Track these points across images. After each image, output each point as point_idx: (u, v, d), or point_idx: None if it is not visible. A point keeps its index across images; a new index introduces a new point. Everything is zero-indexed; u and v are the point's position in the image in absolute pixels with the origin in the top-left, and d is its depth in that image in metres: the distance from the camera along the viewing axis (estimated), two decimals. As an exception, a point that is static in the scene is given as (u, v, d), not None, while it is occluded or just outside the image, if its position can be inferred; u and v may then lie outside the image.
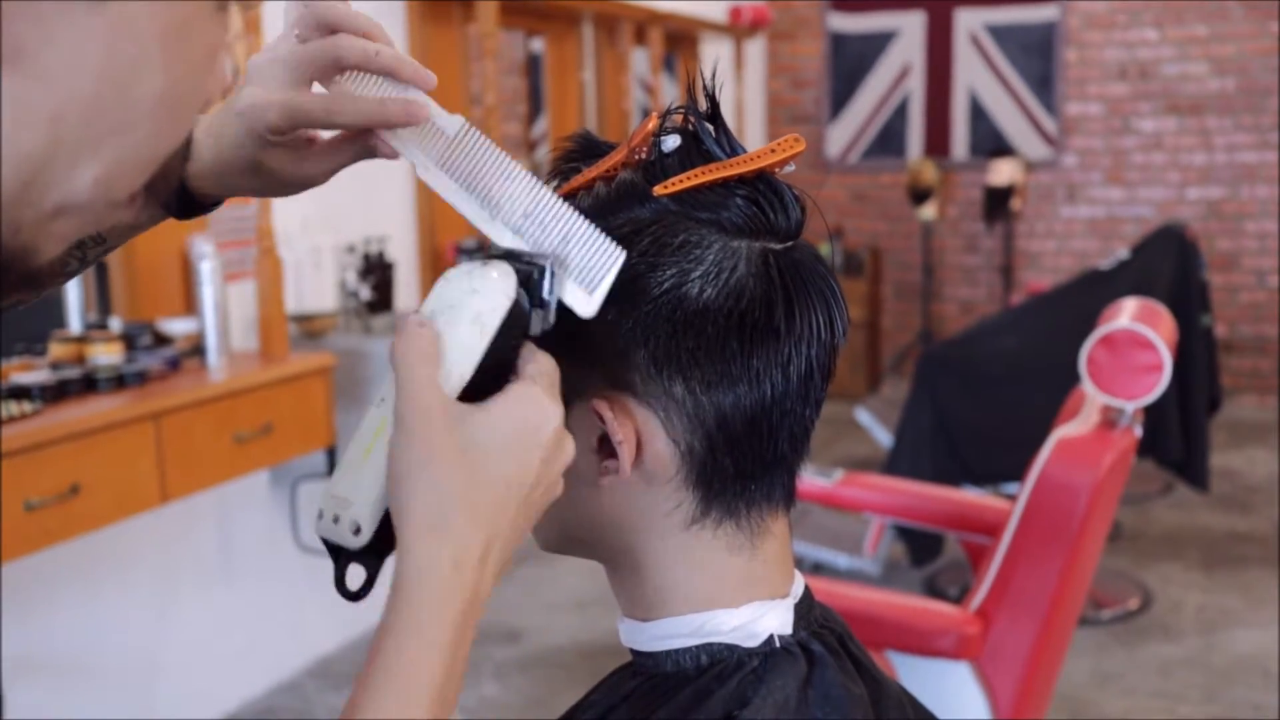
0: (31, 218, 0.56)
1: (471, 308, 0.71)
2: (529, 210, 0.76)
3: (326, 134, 0.84)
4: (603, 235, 0.76)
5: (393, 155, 0.81)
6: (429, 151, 0.79)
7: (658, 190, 0.79)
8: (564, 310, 0.77)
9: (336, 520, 0.71)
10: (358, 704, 0.67)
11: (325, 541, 0.72)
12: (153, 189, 0.62)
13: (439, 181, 0.78)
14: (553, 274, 0.74)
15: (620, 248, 0.76)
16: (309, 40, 0.79)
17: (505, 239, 0.77)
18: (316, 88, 0.80)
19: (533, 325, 0.74)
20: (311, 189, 0.88)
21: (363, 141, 0.82)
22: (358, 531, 0.70)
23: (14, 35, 0.52)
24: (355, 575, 0.72)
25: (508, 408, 0.71)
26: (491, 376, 0.72)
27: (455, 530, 0.68)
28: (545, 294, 0.74)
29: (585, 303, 0.75)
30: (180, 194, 0.86)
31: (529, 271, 0.74)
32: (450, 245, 4.29)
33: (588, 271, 0.75)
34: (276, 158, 0.83)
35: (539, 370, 0.73)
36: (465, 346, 0.71)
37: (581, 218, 0.76)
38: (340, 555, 0.72)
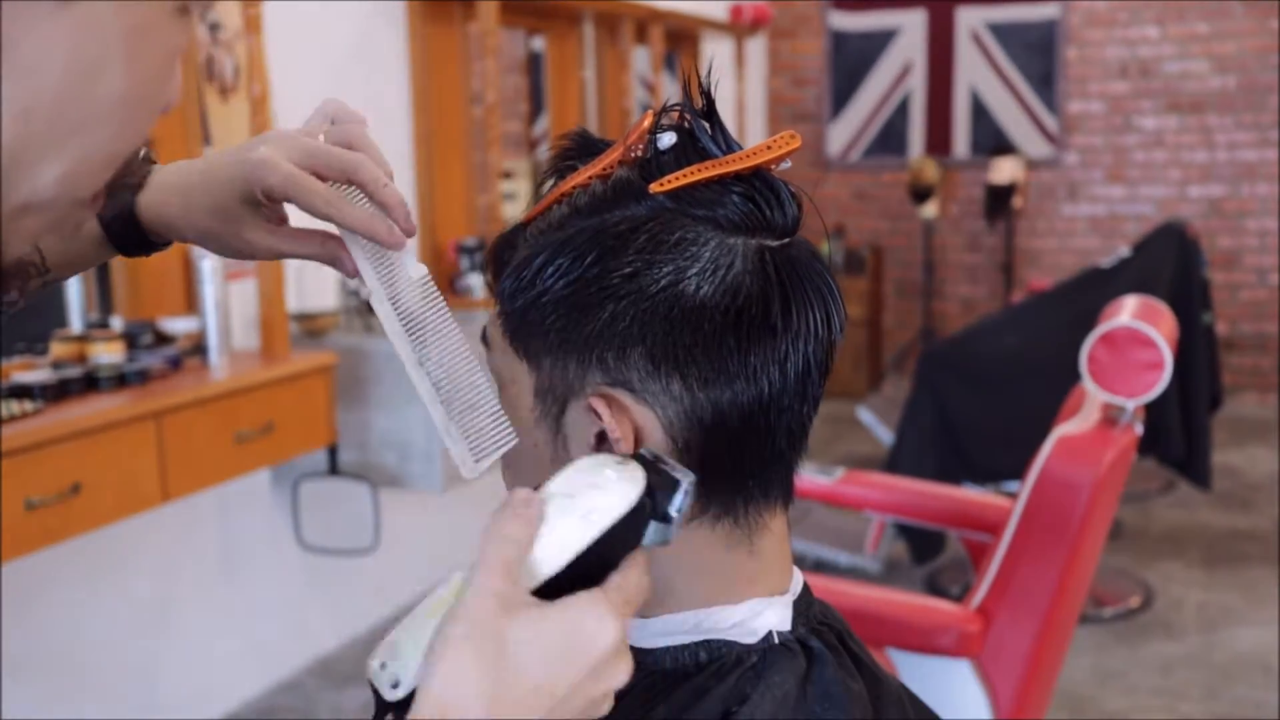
0: None
1: (587, 502, 0.69)
2: (451, 371, 0.81)
3: (296, 221, 0.90)
4: (503, 417, 0.80)
5: (352, 272, 0.87)
6: (386, 284, 0.85)
7: (654, 188, 0.79)
8: (559, 307, 0.77)
9: (384, 667, 0.69)
10: None
11: (371, 686, 0.70)
12: (109, 195, 0.64)
13: (384, 312, 0.84)
14: (687, 492, 0.71)
15: (512, 434, 0.79)
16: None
17: (423, 387, 0.81)
18: None
19: (647, 537, 0.70)
20: (243, 259, 0.93)
21: (331, 246, 0.89)
22: (395, 686, 0.68)
23: (7, 28, 0.52)
24: None
25: (566, 613, 0.67)
26: (582, 579, 0.69)
27: (463, 703, 0.65)
28: (673, 510, 0.70)
29: (470, 468, 0.80)
30: (131, 229, 0.89)
31: (661, 481, 0.71)
32: (451, 244, 4.29)
33: (481, 439, 0.81)
34: (247, 215, 0.88)
35: (620, 585, 0.69)
36: (563, 542, 0.68)
37: (492, 393, 0.81)
38: (381, 706, 0.70)
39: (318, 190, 0.84)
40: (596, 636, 0.67)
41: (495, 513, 0.69)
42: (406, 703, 0.68)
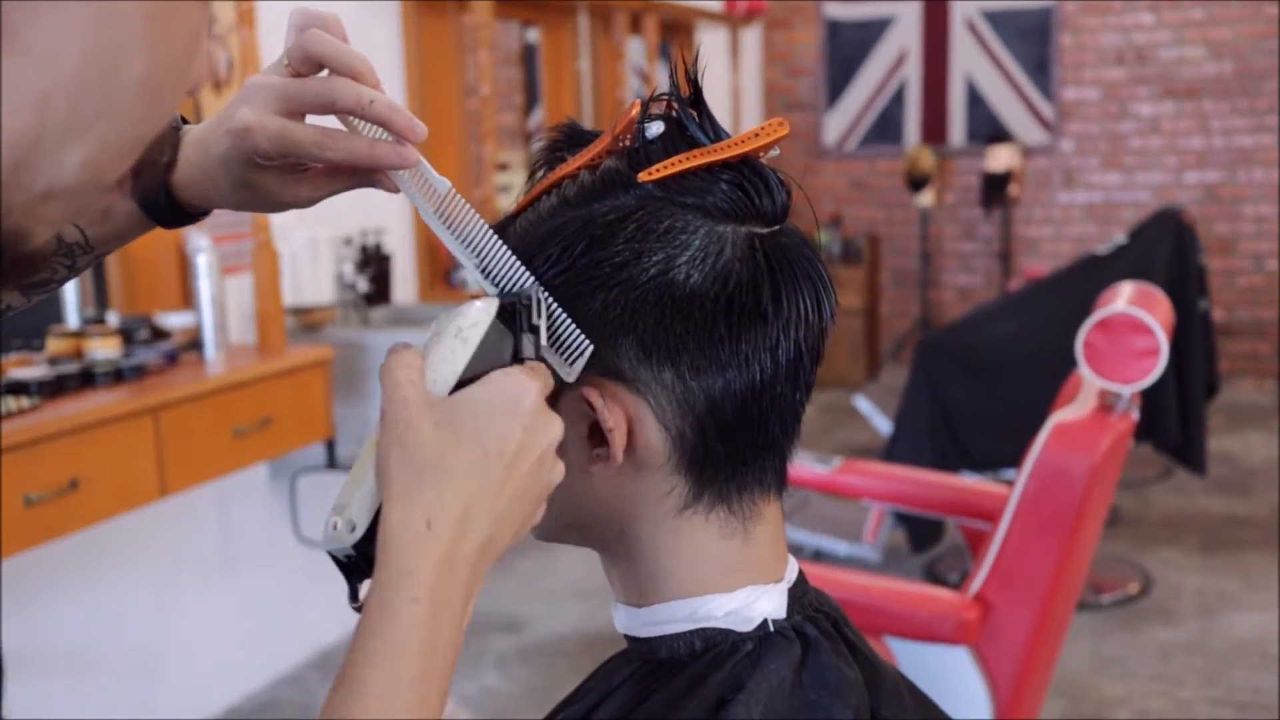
0: (21, 201, 0.56)
1: (454, 326, 0.75)
2: (514, 278, 0.79)
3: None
4: (574, 328, 0.79)
5: (393, 189, 0.82)
6: (428, 198, 0.80)
7: (642, 176, 0.79)
8: (553, 295, 0.78)
9: (335, 527, 0.73)
10: (347, 663, 0.68)
11: (333, 558, 0.74)
12: (138, 176, 0.63)
13: (439, 227, 0.80)
14: (539, 301, 0.76)
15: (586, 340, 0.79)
16: (300, 74, 0.79)
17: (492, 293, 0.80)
18: (310, 117, 0.80)
19: (524, 348, 0.76)
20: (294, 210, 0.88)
21: (363, 174, 0.83)
22: (353, 529, 0.72)
23: (7, 14, 0.52)
24: (367, 589, 0.73)
25: (485, 385, 0.73)
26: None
27: (429, 493, 0.69)
28: (534, 318, 0.76)
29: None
30: (167, 203, 0.87)
31: (513, 300, 0.76)
32: (447, 237, 4.28)
33: (560, 338, 0.79)
34: (266, 178, 0.84)
35: (526, 363, 0.75)
36: (448, 356, 0.74)
37: (561, 313, 0.79)
38: (351, 571, 0.73)
39: (308, 139, 0.78)
40: (520, 392, 0.72)
41: (382, 364, 0.73)
42: (369, 542, 0.71)
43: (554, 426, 0.74)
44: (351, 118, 0.79)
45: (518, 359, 0.76)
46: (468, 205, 0.80)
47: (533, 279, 0.78)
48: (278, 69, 0.81)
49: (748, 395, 0.79)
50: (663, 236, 0.77)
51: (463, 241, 0.80)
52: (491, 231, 0.80)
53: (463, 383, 0.73)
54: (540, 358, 0.76)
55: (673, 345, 0.77)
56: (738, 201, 0.78)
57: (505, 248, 0.79)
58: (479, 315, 0.75)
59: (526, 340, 0.76)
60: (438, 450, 0.70)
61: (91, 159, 0.57)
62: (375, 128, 0.79)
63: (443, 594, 0.69)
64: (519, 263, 0.78)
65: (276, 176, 0.84)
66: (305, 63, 0.79)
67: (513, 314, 0.76)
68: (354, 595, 0.73)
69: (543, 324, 0.76)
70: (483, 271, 0.79)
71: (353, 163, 0.79)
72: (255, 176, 0.83)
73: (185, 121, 0.88)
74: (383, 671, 0.67)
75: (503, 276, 0.78)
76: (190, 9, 0.58)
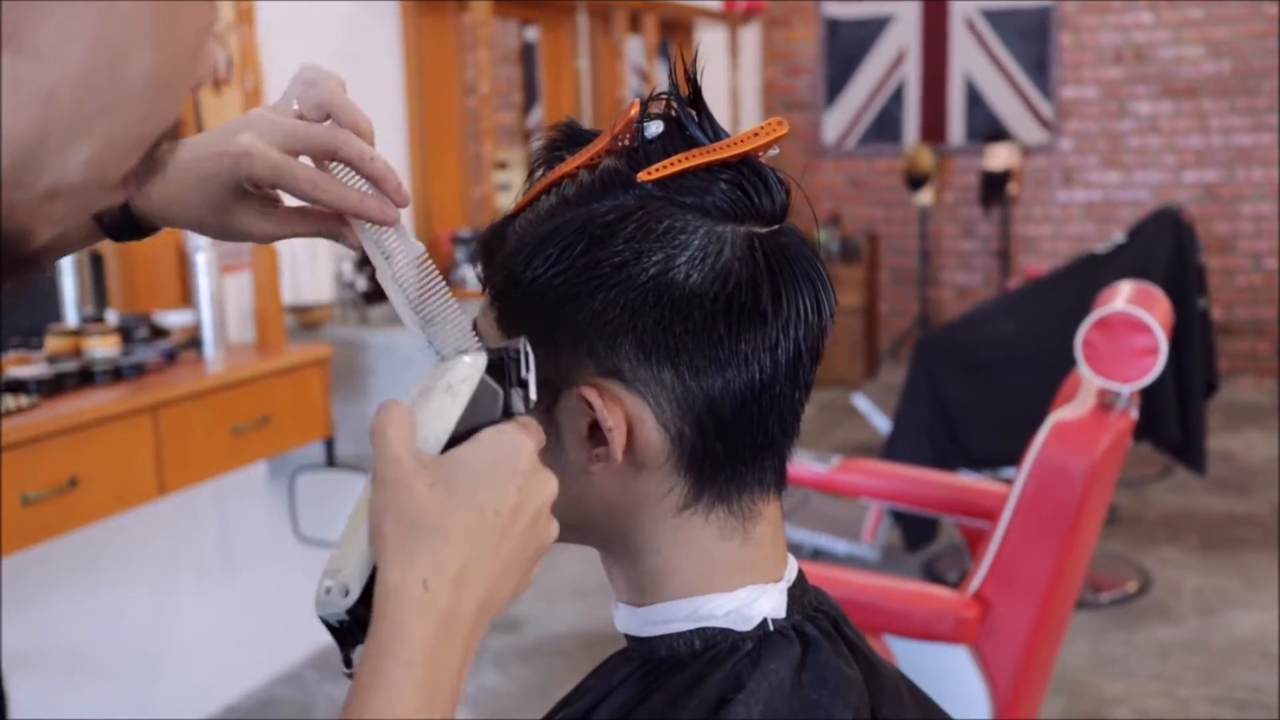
0: (25, 200, 0.56)
1: (444, 382, 0.75)
2: (460, 349, 0.79)
3: (291, 201, 0.87)
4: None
5: (355, 246, 0.85)
6: (385, 256, 0.82)
7: (641, 176, 0.79)
8: (549, 298, 0.77)
9: (329, 592, 0.71)
10: None
11: (326, 624, 0.72)
12: (141, 175, 0.62)
13: (391, 287, 0.82)
14: (528, 354, 0.75)
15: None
16: (308, 119, 0.83)
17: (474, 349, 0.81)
18: (304, 159, 0.84)
19: (514, 403, 0.75)
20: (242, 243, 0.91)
21: (330, 223, 0.86)
22: (346, 593, 0.71)
23: (7, 14, 0.52)
24: (358, 650, 0.72)
25: (478, 444, 0.72)
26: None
27: (425, 552, 0.68)
28: (523, 372, 0.75)
29: None
30: (122, 215, 0.88)
31: (500, 354, 0.76)
32: (446, 235, 4.29)
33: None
34: (240, 205, 0.86)
35: (517, 420, 0.74)
36: (439, 413, 0.73)
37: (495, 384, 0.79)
38: (345, 637, 0.72)
39: (304, 176, 0.82)
40: (514, 451, 0.72)
41: (371, 421, 0.72)
42: (363, 606, 0.70)
43: (549, 485, 0.73)
44: (334, 169, 0.83)
45: (508, 414, 0.75)
46: (436, 272, 0.81)
47: (483, 354, 0.77)
48: (283, 108, 0.84)
49: (747, 395, 0.79)
50: (662, 236, 0.77)
51: (416, 310, 0.81)
52: (455, 304, 0.80)
53: (454, 439, 0.73)
54: (530, 412, 0.76)
55: (672, 345, 0.77)
56: (737, 201, 0.78)
57: (467, 320, 0.79)
58: (468, 370, 0.75)
59: (516, 395, 0.75)
60: (434, 511, 0.69)
61: (97, 157, 0.56)
62: (362, 184, 0.83)
63: (439, 656, 0.68)
64: (476, 338, 0.78)
65: (249, 206, 0.87)
66: (316, 110, 0.83)
67: (501, 368, 0.75)
68: (347, 661, 0.72)
69: (531, 378, 0.75)
70: (431, 343, 0.80)
71: (340, 208, 0.83)
72: (231, 200, 0.86)
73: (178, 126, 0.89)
74: None
75: (449, 350, 0.78)
76: (197, 6, 0.58)
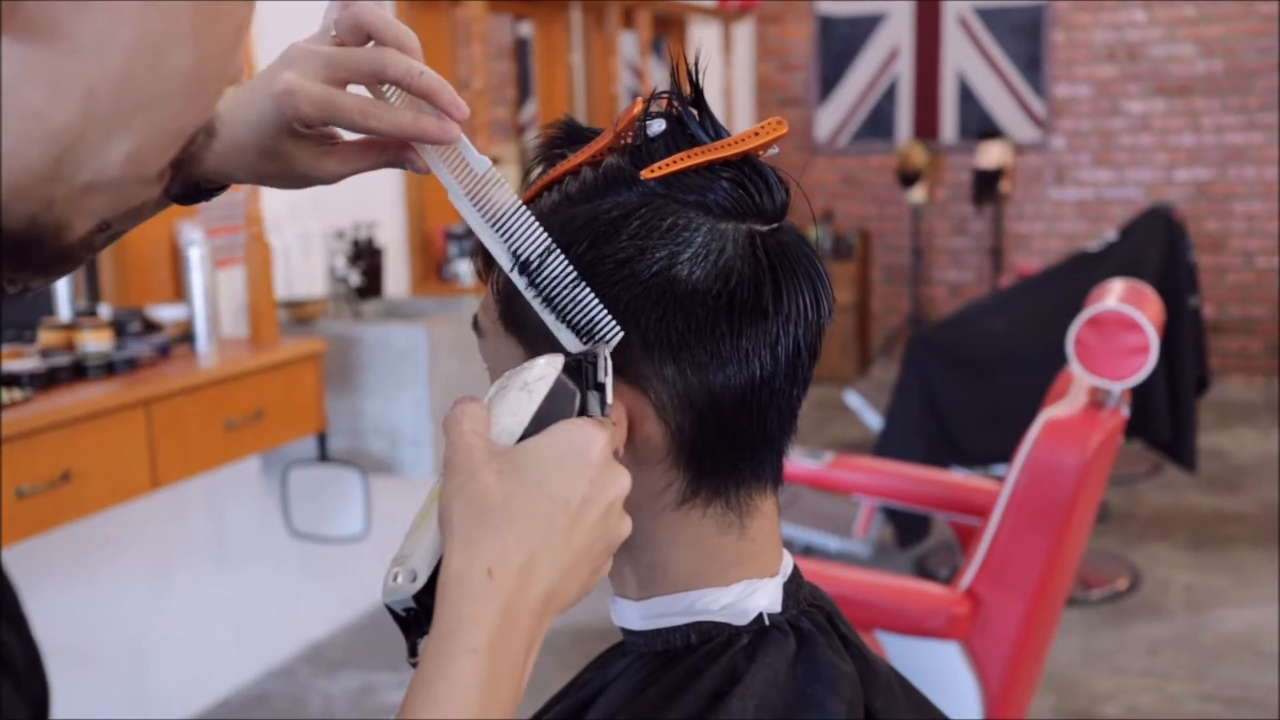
0: (63, 193, 0.57)
1: (520, 380, 0.74)
2: (545, 258, 0.78)
3: (349, 136, 0.83)
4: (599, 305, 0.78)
5: (424, 170, 0.81)
6: (460, 179, 0.79)
7: (644, 174, 0.79)
8: (551, 296, 0.78)
9: (397, 578, 0.71)
10: (403, 710, 0.67)
11: (392, 613, 0.72)
12: (178, 169, 0.63)
13: (466, 210, 0.79)
14: (607, 360, 0.75)
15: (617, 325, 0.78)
16: (347, 44, 0.79)
17: (519, 283, 0.79)
18: (352, 88, 0.80)
19: (590, 406, 0.75)
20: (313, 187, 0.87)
21: (393, 151, 0.82)
22: (414, 579, 0.70)
23: (49, 11, 0.52)
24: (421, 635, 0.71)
25: (551, 435, 0.72)
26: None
27: (492, 541, 0.68)
28: (600, 376, 0.75)
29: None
30: (185, 179, 0.85)
31: (579, 358, 0.76)
32: (440, 231, 4.29)
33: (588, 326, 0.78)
34: (297, 149, 0.82)
35: (594, 418, 0.74)
36: (514, 409, 0.73)
37: (590, 294, 0.77)
38: (410, 626, 0.71)
39: (353, 106, 0.78)
40: (587, 443, 0.71)
41: (446, 422, 0.72)
42: (429, 595, 0.69)
43: (622, 479, 0.73)
44: (386, 92, 0.79)
45: (583, 414, 0.74)
46: (506, 185, 0.79)
47: (560, 355, 0.76)
48: (321, 39, 0.80)
49: (747, 390, 0.79)
50: (666, 233, 0.77)
51: (493, 225, 0.78)
52: (529, 213, 0.78)
53: (527, 435, 0.73)
54: (605, 415, 0.75)
55: (674, 341, 0.77)
56: (738, 199, 0.79)
57: (543, 232, 0.78)
58: (545, 369, 0.74)
59: (592, 398, 0.75)
60: (502, 498, 0.69)
61: (135, 151, 0.57)
62: (415, 103, 0.78)
63: (502, 645, 0.67)
64: (557, 249, 0.77)
65: (306, 148, 0.82)
66: (354, 32, 0.79)
67: (579, 370, 0.75)
68: (413, 650, 0.71)
69: (609, 382, 0.75)
70: (514, 255, 0.78)
71: (396, 133, 0.78)
72: (286, 145, 0.82)
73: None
74: (434, 714, 0.65)
75: (534, 257, 0.77)
76: (235, 4, 0.58)
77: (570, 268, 0.77)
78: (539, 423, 0.73)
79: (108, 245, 0.88)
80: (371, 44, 0.79)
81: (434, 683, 0.66)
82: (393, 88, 0.79)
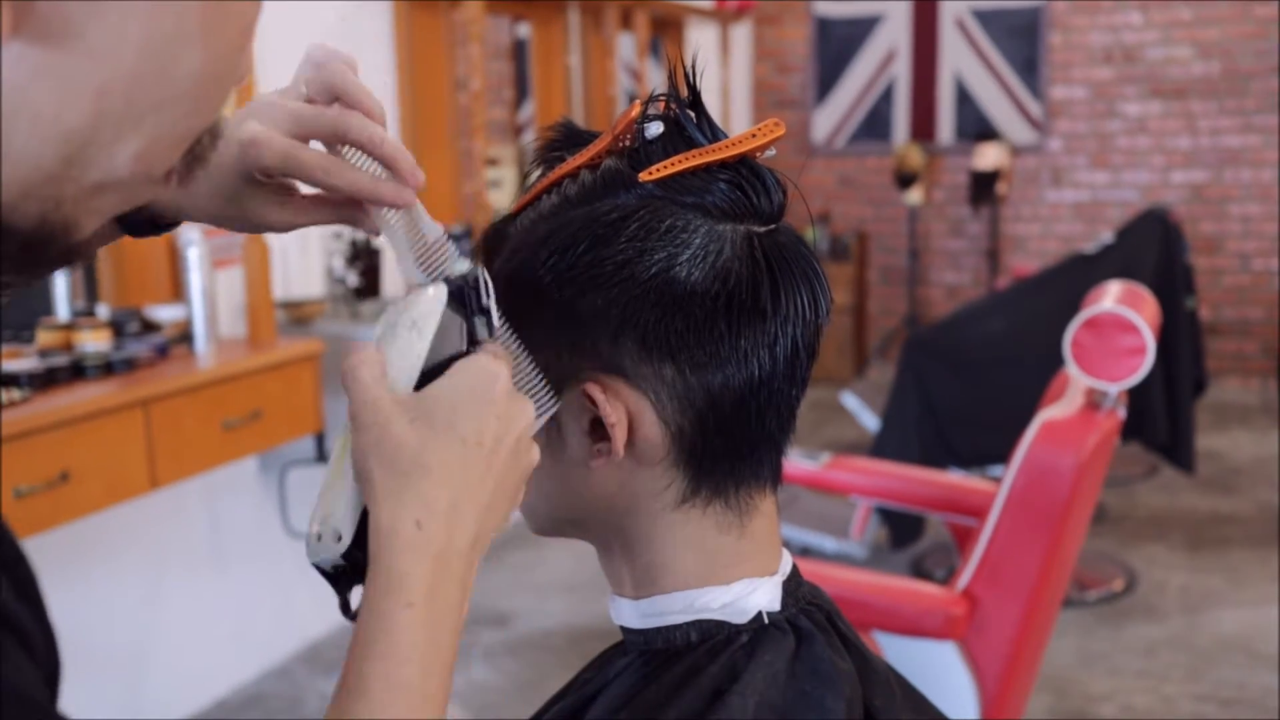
0: (73, 193, 0.57)
1: (408, 318, 0.74)
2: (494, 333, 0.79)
3: (305, 190, 0.85)
4: (540, 378, 0.79)
5: (373, 232, 0.83)
6: (412, 245, 0.80)
7: (643, 176, 0.80)
8: (554, 297, 0.78)
9: (320, 538, 0.72)
10: (346, 672, 0.68)
11: (319, 569, 0.73)
12: (186, 169, 0.63)
13: (411, 273, 0.80)
14: (486, 282, 0.76)
15: (554, 396, 0.80)
16: (316, 102, 0.81)
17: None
18: (314, 143, 0.81)
19: (478, 330, 0.75)
20: (259, 234, 0.89)
21: (346, 210, 0.84)
22: (339, 539, 0.71)
23: (62, 12, 0.53)
24: (358, 597, 0.72)
25: (451, 377, 0.72)
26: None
27: (413, 491, 0.69)
28: (484, 300, 0.76)
29: None
30: (138, 212, 0.86)
31: (459, 284, 0.76)
32: (437, 231, 4.29)
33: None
34: (254, 197, 0.84)
35: (485, 349, 0.75)
36: (406, 350, 0.73)
37: (528, 358, 0.79)
38: (339, 580, 0.73)
39: (314, 162, 0.79)
40: (490, 380, 0.72)
41: (343, 374, 0.73)
42: (359, 555, 0.71)
43: (527, 410, 0.74)
44: (346, 153, 0.80)
45: (473, 342, 0.75)
46: (456, 253, 0.80)
47: (505, 328, 0.78)
48: (291, 93, 0.82)
49: (746, 391, 0.80)
50: (664, 235, 0.78)
51: None
52: (479, 280, 0.79)
53: (425, 375, 0.73)
54: (493, 339, 0.76)
55: (673, 342, 0.78)
56: (736, 201, 0.80)
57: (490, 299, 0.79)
58: (431, 304, 0.75)
59: (479, 323, 0.76)
60: (416, 448, 0.70)
61: (145, 151, 0.57)
62: (375, 167, 0.80)
63: (439, 593, 0.69)
64: (502, 321, 0.78)
65: (263, 196, 0.84)
66: (324, 93, 0.80)
67: (462, 298, 0.76)
68: (345, 606, 0.73)
69: (493, 304, 0.76)
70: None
71: (353, 193, 0.80)
72: (245, 192, 0.84)
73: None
74: (384, 678, 0.67)
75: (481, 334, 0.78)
76: (244, 5, 0.59)
77: (516, 339, 0.79)
78: (432, 358, 0.73)
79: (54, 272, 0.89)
80: (338, 105, 0.81)
81: (377, 640, 0.67)
82: (354, 150, 0.80)
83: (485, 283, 0.76)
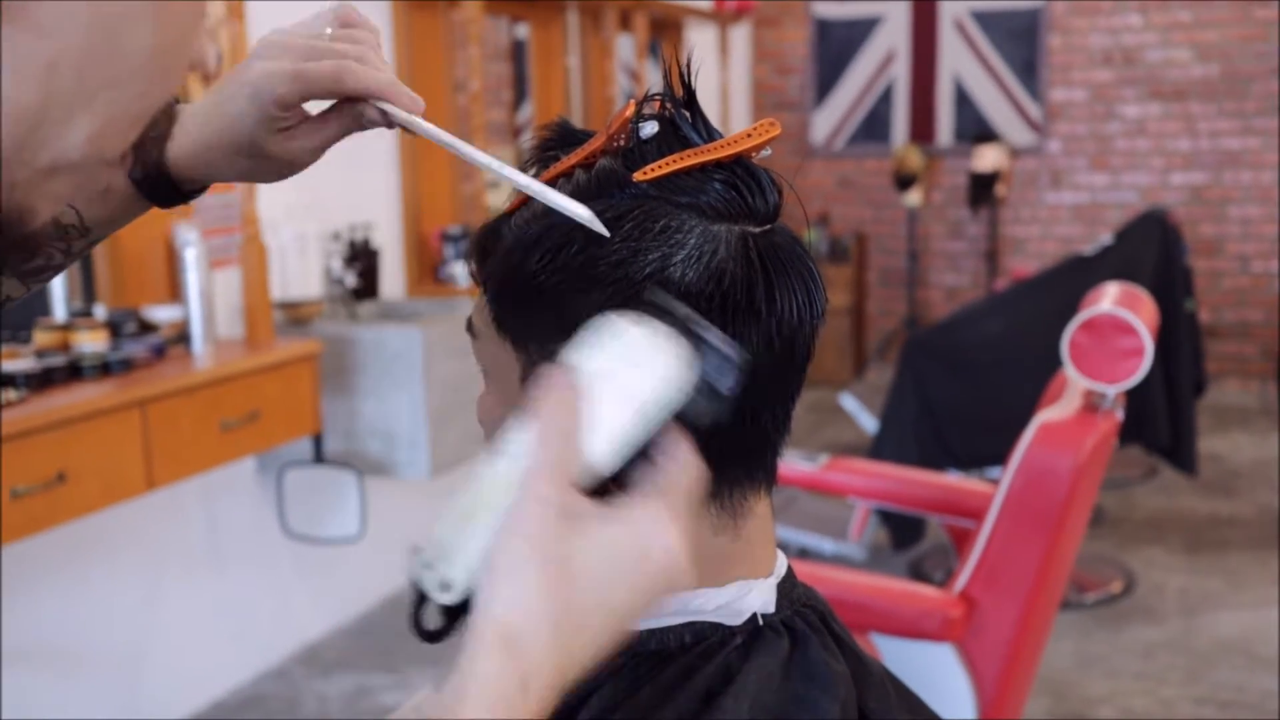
0: (25, 176, 0.56)
1: (629, 383, 0.65)
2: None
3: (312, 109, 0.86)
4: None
5: (380, 122, 0.84)
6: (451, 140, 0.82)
7: (637, 176, 0.79)
8: (548, 296, 0.78)
9: (429, 566, 0.65)
10: None
11: (413, 583, 0.67)
12: (139, 151, 0.62)
13: (432, 130, 0.82)
14: (738, 368, 0.67)
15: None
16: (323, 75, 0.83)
17: (520, 178, 0.79)
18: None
19: (698, 417, 0.67)
20: (296, 174, 0.89)
21: (350, 114, 0.85)
22: (446, 590, 0.65)
23: None
24: (433, 616, 0.67)
25: (629, 525, 0.65)
26: (632, 464, 0.66)
27: (534, 651, 0.62)
28: (724, 388, 0.67)
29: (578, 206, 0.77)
30: (162, 181, 0.87)
31: (707, 355, 0.67)
32: (436, 232, 4.29)
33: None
34: (270, 139, 0.85)
35: (671, 484, 0.67)
36: (611, 431, 0.65)
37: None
38: (425, 605, 0.67)
39: (323, 75, 0.82)
40: (659, 551, 0.65)
41: (537, 401, 0.66)
42: (456, 609, 0.65)
43: (681, 581, 0.67)
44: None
45: (691, 425, 0.67)
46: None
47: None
48: (297, 34, 0.84)
49: (740, 392, 0.79)
50: (659, 235, 0.78)
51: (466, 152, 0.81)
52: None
53: (623, 469, 0.65)
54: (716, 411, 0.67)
55: None
56: (731, 201, 0.79)
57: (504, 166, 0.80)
58: (660, 382, 0.65)
59: (706, 406, 0.66)
60: (558, 607, 0.62)
61: (97, 132, 0.57)
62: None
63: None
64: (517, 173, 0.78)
65: (280, 135, 0.85)
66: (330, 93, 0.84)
67: (704, 369, 0.66)
68: (417, 617, 0.67)
69: (730, 395, 0.67)
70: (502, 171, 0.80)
71: (372, 91, 0.82)
72: (261, 137, 0.85)
73: (177, 101, 0.89)
74: None
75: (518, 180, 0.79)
76: None
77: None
78: (639, 439, 0.65)
79: (87, 250, 0.89)
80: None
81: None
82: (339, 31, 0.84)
83: (737, 367, 0.66)
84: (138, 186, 0.87)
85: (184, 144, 0.86)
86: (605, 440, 0.65)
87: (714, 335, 0.67)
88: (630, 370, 0.65)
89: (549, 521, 0.63)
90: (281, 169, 0.88)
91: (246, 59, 0.84)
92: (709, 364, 0.66)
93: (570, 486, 0.64)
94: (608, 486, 0.66)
